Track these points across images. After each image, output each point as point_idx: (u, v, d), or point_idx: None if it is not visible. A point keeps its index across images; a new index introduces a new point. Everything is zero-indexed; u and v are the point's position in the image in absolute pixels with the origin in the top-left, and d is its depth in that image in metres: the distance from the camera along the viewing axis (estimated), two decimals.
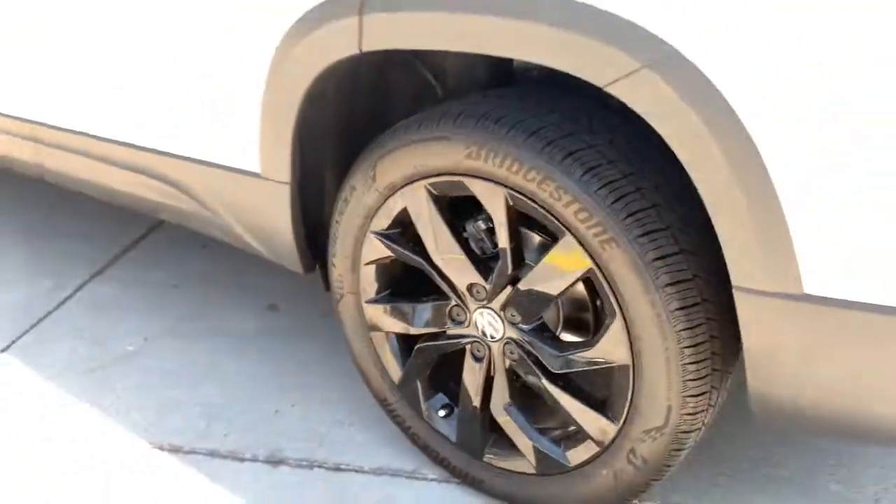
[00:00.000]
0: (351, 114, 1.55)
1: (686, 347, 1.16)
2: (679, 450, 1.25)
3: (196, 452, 1.68)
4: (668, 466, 1.28)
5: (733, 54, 0.95)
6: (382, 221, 1.43)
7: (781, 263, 1.01)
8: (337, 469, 1.63)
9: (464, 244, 1.37)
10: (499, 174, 1.22)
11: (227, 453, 1.67)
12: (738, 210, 1.01)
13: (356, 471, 1.61)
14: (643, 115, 1.03)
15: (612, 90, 1.04)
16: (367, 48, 1.26)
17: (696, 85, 0.97)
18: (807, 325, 1.04)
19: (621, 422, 1.28)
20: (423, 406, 1.54)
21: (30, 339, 2.06)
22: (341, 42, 1.28)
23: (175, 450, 1.68)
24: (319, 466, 1.64)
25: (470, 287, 1.38)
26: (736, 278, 1.06)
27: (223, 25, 1.48)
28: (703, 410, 1.22)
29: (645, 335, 1.18)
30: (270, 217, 1.60)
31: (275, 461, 1.65)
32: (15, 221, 2.59)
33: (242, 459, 1.66)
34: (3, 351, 2.01)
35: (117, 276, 2.32)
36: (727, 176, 1.00)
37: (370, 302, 1.53)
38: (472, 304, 1.40)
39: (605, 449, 1.32)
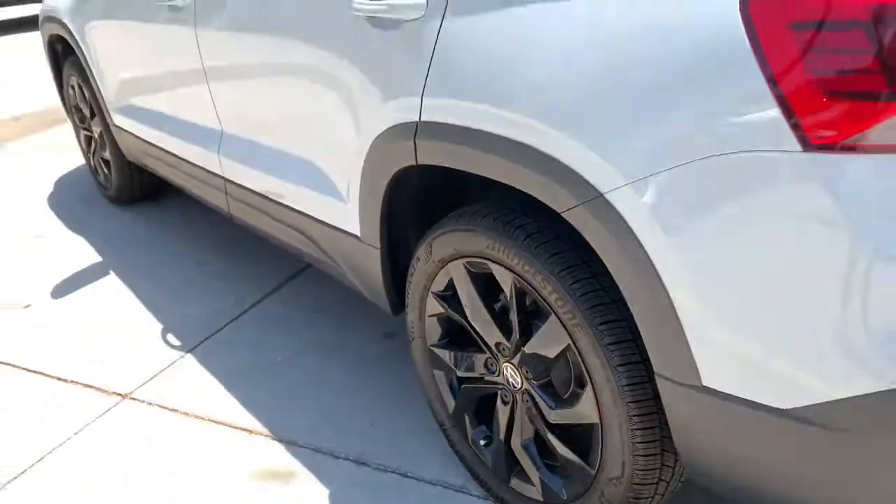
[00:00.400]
0: (429, 196, 1.95)
1: (634, 416, 1.44)
2: (637, 498, 1.52)
3: (305, 447, 2.17)
4: None
5: (639, 201, 1.24)
6: (438, 285, 1.82)
7: (685, 360, 1.28)
8: (404, 475, 2.04)
9: (491, 310, 1.73)
10: (507, 262, 1.57)
11: (327, 451, 2.15)
12: (650, 315, 1.29)
13: (417, 479, 2.02)
14: (586, 238, 1.35)
15: (565, 216, 1.36)
16: (421, 162, 1.66)
17: (614, 221, 1.27)
18: (708, 412, 1.29)
19: (596, 469, 1.57)
20: (469, 434, 1.92)
21: (210, 344, 2.69)
22: (405, 156, 1.69)
23: (290, 442, 2.19)
24: (392, 472, 2.06)
25: (497, 345, 1.74)
26: (656, 367, 1.34)
27: (338, 130, 1.95)
28: (654, 469, 1.48)
29: (605, 402, 1.48)
30: (368, 269, 2.05)
31: (360, 462, 2.10)
32: (217, 251, 3.29)
33: (337, 457, 2.13)
34: (189, 351, 2.65)
35: (280, 298, 2.91)
36: (640, 289, 1.29)
37: (432, 346, 1.93)
38: (501, 358, 1.75)
39: (587, 489, 1.62)
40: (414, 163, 1.68)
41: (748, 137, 1.10)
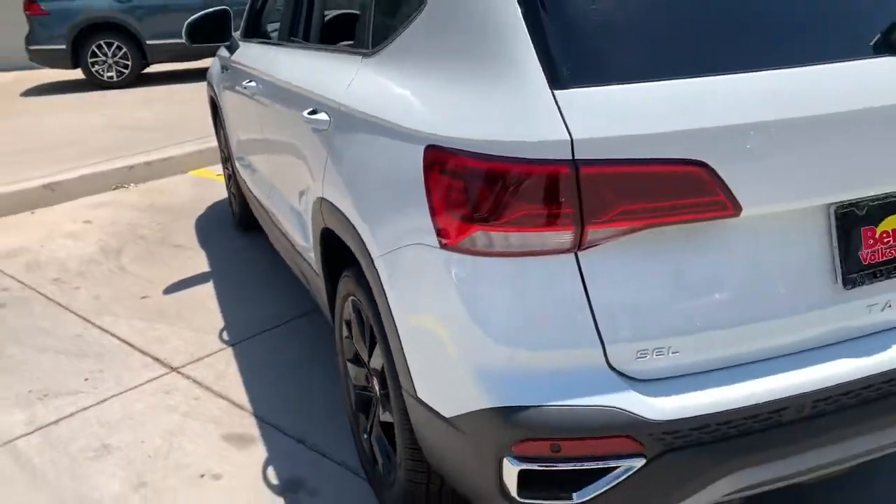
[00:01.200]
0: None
1: (403, 420, 2.04)
2: (411, 482, 2.10)
3: (269, 424, 2.91)
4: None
5: (385, 266, 1.88)
6: (346, 315, 2.52)
7: (409, 377, 1.88)
8: (323, 455, 2.71)
9: (364, 335, 2.39)
10: (363, 303, 2.25)
11: (283, 429, 2.87)
12: (394, 345, 1.91)
13: (330, 459, 2.68)
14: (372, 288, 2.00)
15: (365, 272, 2.02)
16: (326, 225, 2.39)
17: (377, 277, 1.92)
18: (426, 418, 1.87)
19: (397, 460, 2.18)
20: (361, 430, 2.58)
21: (247, 343, 3.54)
22: (320, 220, 2.43)
23: (262, 419, 2.94)
24: (317, 451, 2.74)
25: (367, 361, 2.40)
26: (402, 382, 1.94)
27: (303, 193, 2.72)
28: (421, 460, 2.06)
29: (394, 409, 2.09)
30: (322, 297, 2.79)
31: (299, 440, 2.80)
32: (283, 273, 4.17)
33: (286, 434, 2.85)
34: (231, 346, 3.52)
35: (308, 319, 3.72)
36: (388, 325, 1.91)
37: (347, 360, 2.62)
38: (371, 372, 2.41)
39: (395, 473, 2.22)
40: (324, 225, 2.41)
41: (426, 234, 1.72)
